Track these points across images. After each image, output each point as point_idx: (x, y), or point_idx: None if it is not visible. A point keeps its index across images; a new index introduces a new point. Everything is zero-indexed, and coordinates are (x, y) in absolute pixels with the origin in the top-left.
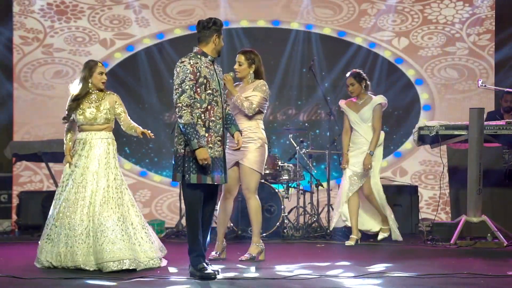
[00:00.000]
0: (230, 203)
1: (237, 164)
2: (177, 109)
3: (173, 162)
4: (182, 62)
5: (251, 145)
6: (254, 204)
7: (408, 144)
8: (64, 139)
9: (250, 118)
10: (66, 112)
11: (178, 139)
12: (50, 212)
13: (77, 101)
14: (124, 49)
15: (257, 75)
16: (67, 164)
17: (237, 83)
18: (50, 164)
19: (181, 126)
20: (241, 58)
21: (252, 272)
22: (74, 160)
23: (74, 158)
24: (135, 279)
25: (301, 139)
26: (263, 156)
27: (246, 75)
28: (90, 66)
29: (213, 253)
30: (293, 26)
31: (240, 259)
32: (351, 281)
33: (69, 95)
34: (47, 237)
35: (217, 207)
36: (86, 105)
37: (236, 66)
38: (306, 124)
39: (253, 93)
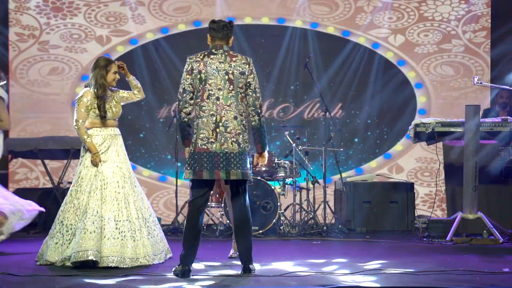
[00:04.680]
0: None
1: None
2: (263, 109)
3: (238, 159)
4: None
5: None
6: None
7: (399, 145)
8: (87, 138)
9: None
10: (102, 110)
11: (243, 137)
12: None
13: (102, 98)
14: (128, 42)
15: None
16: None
17: None
18: (46, 161)
19: (263, 126)
20: None
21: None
22: (103, 157)
23: (104, 154)
24: (130, 277)
25: (297, 136)
26: None
27: None
28: (106, 64)
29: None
30: (297, 24)
31: (230, 256)
32: (347, 278)
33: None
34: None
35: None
36: (108, 101)
37: None
38: (303, 121)
39: None
